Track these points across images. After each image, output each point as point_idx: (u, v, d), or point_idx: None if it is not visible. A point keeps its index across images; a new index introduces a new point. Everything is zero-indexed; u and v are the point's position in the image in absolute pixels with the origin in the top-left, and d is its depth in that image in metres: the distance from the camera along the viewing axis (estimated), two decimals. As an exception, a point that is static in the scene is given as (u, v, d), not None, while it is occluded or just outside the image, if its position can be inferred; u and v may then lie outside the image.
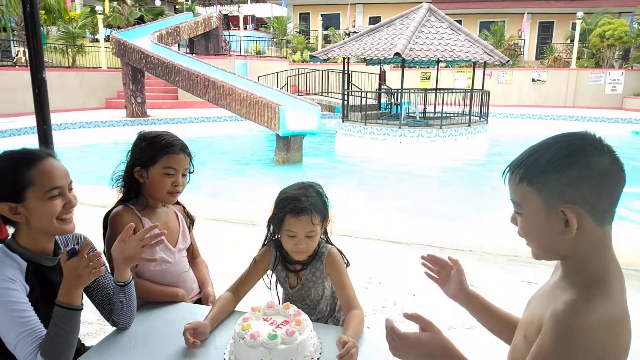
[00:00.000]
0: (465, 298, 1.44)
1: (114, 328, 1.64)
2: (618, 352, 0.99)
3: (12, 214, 1.40)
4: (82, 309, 1.40)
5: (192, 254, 2.15)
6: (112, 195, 1.93)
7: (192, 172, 1.96)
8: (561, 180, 0.99)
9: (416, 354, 1.14)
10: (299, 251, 1.67)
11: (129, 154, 1.87)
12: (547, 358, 0.98)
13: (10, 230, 1.49)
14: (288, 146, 9.89)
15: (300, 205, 1.61)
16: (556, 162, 1.00)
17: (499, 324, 1.39)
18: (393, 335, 1.14)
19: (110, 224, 1.81)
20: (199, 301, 2.03)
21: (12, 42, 18.74)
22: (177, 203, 2.07)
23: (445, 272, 1.47)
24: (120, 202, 1.88)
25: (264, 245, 1.82)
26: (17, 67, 16.67)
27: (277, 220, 1.68)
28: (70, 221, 1.49)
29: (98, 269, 1.39)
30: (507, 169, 1.10)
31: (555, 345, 0.97)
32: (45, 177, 1.41)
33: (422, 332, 1.15)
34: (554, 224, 1.02)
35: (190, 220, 2.10)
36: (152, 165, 1.81)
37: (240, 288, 1.76)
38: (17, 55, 17.70)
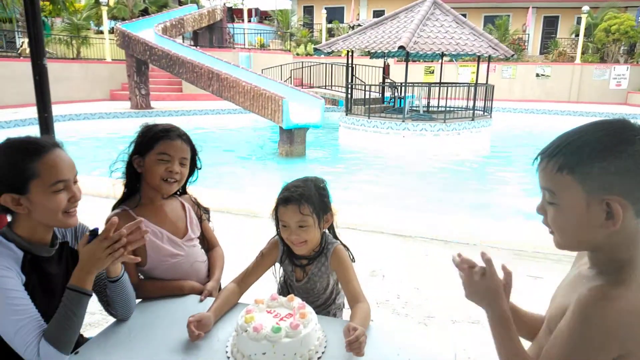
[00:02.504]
0: None
1: (115, 319, 1.63)
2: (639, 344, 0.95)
3: (14, 205, 1.36)
4: (92, 294, 1.39)
5: (208, 245, 2.10)
6: (116, 187, 1.91)
7: (200, 169, 1.95)
8: (608, 170, 0.93)
9: (477, 291, 1.18)
10: (293, 242, 1.67)
11: (130, 145, 1.86)
12: (566, 339, 0.96)
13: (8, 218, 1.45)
14: (292, 139, 9.86)
15: (287, 194, 1.64)
16: (601, 150, 0.94)
17: (524, 325, 1.33)
18: (470, 270, 1.18)
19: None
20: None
21: (16, 32, 18.72)
22: (185, 193, 2.04)
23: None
24: (118, 203, 1.85)
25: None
26: (21, 57, 16.66)
27: (274, 213, 1.70)
28: (74, 214, 1.46)
29: (117, 252, 1.37)
30: (540, 155, 1.04)
31: (575, 327, 0.95)
32: (50, 170, 1.37)
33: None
34: (594, 215, 0.96)
35: (204, 210, 2.07)
36: (148, 152, 1.79)
37: (246, 280, 1.75)
38: (21, 46, 17.70)
